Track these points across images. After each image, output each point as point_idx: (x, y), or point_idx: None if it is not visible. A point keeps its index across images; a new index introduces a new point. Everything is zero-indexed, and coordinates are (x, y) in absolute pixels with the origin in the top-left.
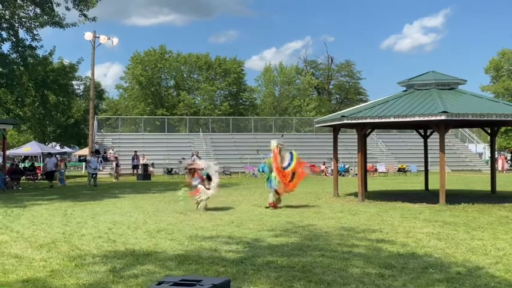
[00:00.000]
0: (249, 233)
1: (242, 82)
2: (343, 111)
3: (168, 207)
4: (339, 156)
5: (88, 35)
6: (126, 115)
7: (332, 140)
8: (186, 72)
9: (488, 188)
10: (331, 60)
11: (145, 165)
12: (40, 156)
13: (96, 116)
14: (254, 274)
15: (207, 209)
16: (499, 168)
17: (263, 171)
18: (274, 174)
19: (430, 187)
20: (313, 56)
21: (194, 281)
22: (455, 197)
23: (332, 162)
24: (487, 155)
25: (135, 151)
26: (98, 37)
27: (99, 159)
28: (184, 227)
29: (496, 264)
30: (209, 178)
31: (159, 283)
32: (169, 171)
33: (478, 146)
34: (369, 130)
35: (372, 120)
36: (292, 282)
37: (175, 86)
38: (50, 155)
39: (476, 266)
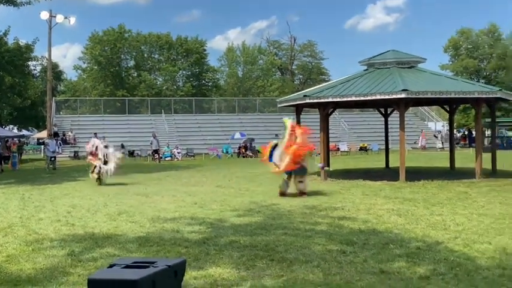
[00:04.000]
0: (212, 213)
1: (204, 62)
2: (306, 90)
3: (129, 189)
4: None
5: (44, 14)
6: (86, 96)
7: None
8: (147, 52)
9: (447, 165)
10: (294, 40)
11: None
12: None
13: (54, 97)
14: (217, 254)
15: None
16: (419, 145)
17: (226, 152)
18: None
19: (390, 165)
20: (278, 36)
21: (148, 262)
22: (415, 174)
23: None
24: (446, 132)
25: (95, 133)
26: (55, 16)
27: (58, 141)
28: (146, 209)
29: (455, 239)
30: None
31: (111, 266)
32: (131, 153)
33: (437, 124)
34: (331, 109)
35: (334, 100)
36: (254, 261)
37: (136, 66)
38: None
39: (435, 241)
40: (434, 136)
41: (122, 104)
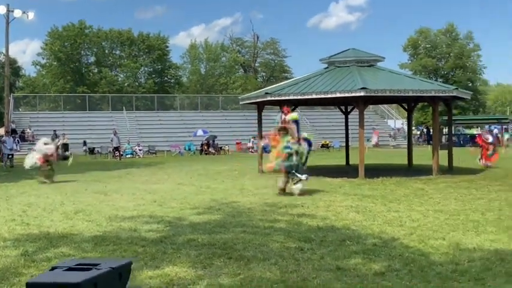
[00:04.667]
0: (171, 211)
1: (167, 59)
2: (267, 88)
3: (88, 187)
4: (265, 133)
5: (1, 9)
6: (45, 93)
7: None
8: (108, 48)
9: (406, 162)
10: (257, 38)
11: (66, 145)
12: None
13: (12, 94)
14: (174, 253)
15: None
16: (373, 143)
17: (189, 149)
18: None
19: (350, 162)
20: (242, 33)
21: (91, 264)
22: (374, 171)
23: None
24: (406, 130)
25: (54, 130)
26: (12, 11)
27: (16, 139)
28: (104, 208)
29: (410, 235)
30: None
31: (53, 268)
32: (91, 151)
33: (396, 122)
34: (293, 107)
35: (295, 97)
36: (212, 260)
37: (97, 62)
38: None
39: (391, 237)
40: (389, 135)
41: (82, 101)
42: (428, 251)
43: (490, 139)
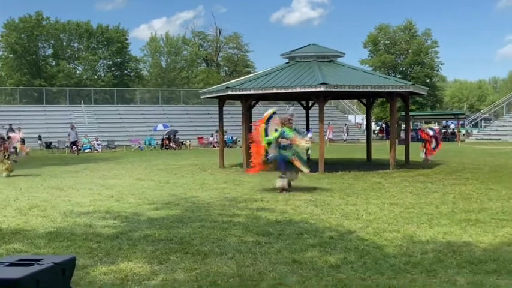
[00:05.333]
0: (129, 207)
1: (127, 52)
2: (228, 82)
3: (43, 182)
4: (228, 128)
5: None
6: (1, 86)
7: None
8: (66, 40)
9: (364, 156)
10: (220, 32)
11: (22, 140)
12: None
13: None
14: (129, 249)
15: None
16: (327, 137)
17: (149, 144)
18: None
19: (311, 156)
20: (205, 27)
21: (33, 260)
22: (334, 165)
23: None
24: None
25: (10, 124)
26: None
27: None
28: (59, 203)
29: (366, 228)
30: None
31: None
32: (48, 145)
33: (357, 117)
34: (254, 101)
35: (256, 92)
36: (168, 255)
37: (54, 54)
38: None
39: (348, 230)
40: (342, 130)
41: (39, 94)
42: (383, 244)
43: (431, 133)
